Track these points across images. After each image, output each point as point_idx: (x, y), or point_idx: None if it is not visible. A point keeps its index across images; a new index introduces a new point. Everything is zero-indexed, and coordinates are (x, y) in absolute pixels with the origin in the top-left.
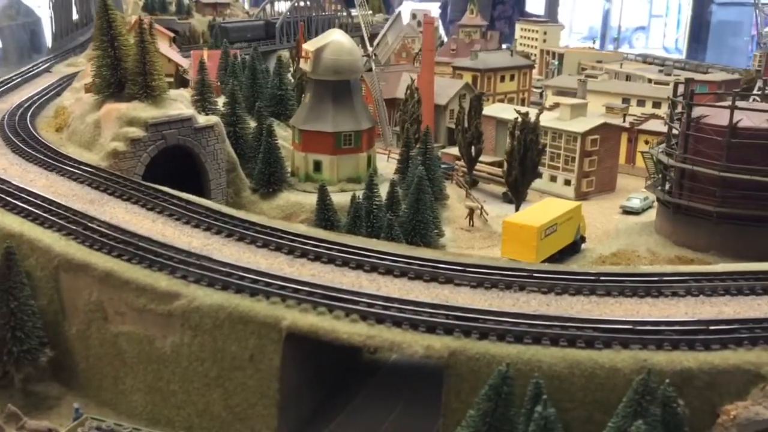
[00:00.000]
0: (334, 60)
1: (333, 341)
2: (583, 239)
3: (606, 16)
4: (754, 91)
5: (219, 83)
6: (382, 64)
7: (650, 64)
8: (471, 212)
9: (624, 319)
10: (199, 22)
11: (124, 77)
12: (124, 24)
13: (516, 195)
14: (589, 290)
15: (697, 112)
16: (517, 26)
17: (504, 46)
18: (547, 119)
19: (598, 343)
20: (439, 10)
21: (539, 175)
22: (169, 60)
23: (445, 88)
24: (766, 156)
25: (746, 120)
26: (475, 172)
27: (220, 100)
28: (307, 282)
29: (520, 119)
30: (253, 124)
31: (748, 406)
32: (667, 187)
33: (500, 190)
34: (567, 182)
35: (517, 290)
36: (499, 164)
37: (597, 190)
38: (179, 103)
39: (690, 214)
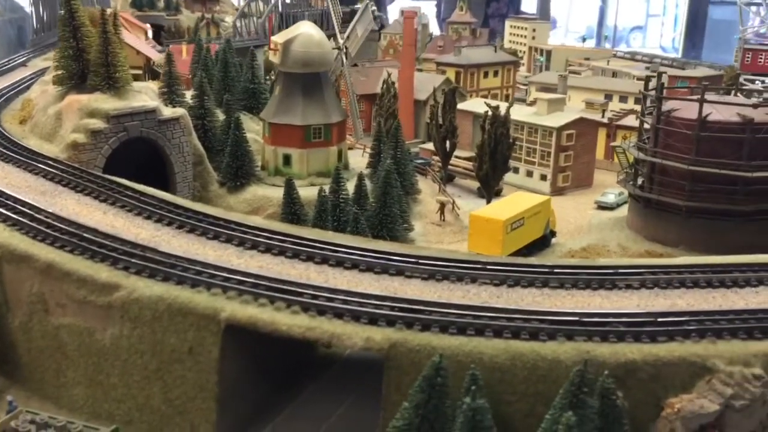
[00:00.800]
0: (303, 52)
1: (272, 333)
2: (553, 234)
3: (602, 15)
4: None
5: (191, 76)
6: (352, 56)
7: (638, 61)
8: (442, 206)
9: (571, 311)
10: (187, 18)
11: (86, 68)
12: (87, 15)
13: (487, 189)
14: (542, 282)
15: (668, 105)
16: (507, 23)
17: (494, 42)
18: (524, 114)
19: (543, 334)
20: (435, 9)
21: (510, 169)
22: (138, 52)
23: (426, 84)
24: (734, 149)
25: (716, 113)
26: (450, 167)
27: (190, 93)
28: (251, 273)
29: (490, 113)
30: (223, 117)
31: (693, 399)
32: (639, 181)
33: (476, 185)
34: (543, 177)
35: (469, 282)
36: (471, 160)
37: (573, 186)
38: (144, 95)
39: (660, 208)
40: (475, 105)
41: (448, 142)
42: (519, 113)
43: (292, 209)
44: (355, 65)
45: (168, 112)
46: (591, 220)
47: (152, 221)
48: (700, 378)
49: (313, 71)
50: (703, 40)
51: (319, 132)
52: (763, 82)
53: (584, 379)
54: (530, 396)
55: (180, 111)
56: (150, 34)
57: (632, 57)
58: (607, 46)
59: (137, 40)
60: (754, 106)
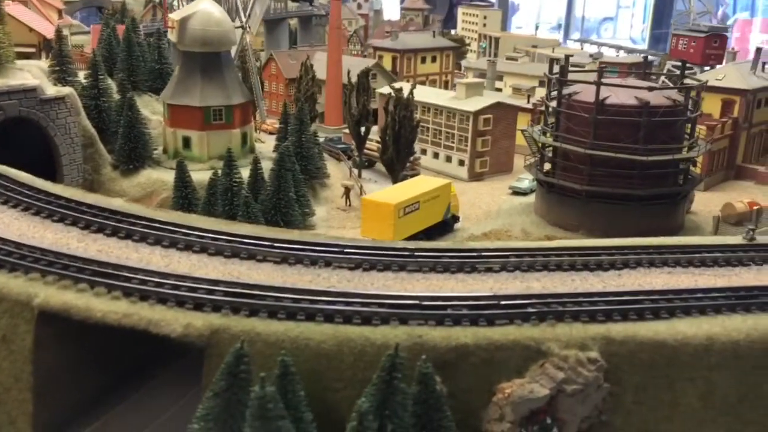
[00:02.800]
0: (201, 30)
1: (86, 320)
2: (455, 218)
3: (570, 5)
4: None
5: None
6: (253, 35)
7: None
8: (347, 191)
9: (414, 294)
10: (138, 1)
11: None
12: None
13: (392, 173)
14: (400, 266)
15: (572, 89)
16: (459, 10)
17: (453, 31)
18: (443, 99)
19: (376, 319)
20: None
21: (414, 153)
22: (31, 30)
23: (355, 68)
24: (631, 133)
25: (614, 97)
26: (367, 151)
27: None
28: (76, 257)
29: (393, 95)
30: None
31: (524, 383)
32: (547, 166)
33: None
34: (461, 162)
35: (323, 266)
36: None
37: (492, 171)
38: (26, 73)
39: (562, 193)
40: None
41: (362, 127)
42: (439, 98)
43: (183, 193)
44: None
45: (52, 91)
46: (502, 205)
47: None
48: (534, 362)
49: (213, 50)
50: (669, 32)
51: (219, 114)
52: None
53: (395, 365)
54: (357, 383)
55: (66, 90)
56: (79, 14)
57: (581, 45)
58: (575, 35)
59: (32, 15)
60: (650, 89)
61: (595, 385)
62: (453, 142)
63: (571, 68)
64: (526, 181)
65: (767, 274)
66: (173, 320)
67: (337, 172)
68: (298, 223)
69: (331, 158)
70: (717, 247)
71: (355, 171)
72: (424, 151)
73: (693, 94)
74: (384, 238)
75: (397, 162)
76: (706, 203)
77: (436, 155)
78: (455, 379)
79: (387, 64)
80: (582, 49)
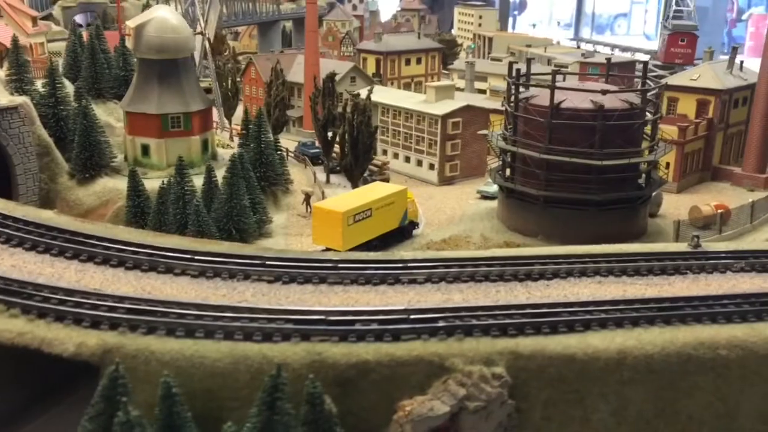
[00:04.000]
0: (157, 38)
1: None
2: (414, 225)
3: (580, 2)
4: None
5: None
6: (211, 42)
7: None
8: (307, 197)
9: (320, 309)
10: (132, 5)
11: None
12: None
13: (351, 179)
14: (321, 279)
15: (531, 93)
16: (455, 10)
17: (453, 31)
18: (413, 102)
19: (278, 335)
20: None
21: (372, 159)
22: None
23: (332, 70)
24: (586, 137)
25: (570, 101)
26: (335, 155)
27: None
28: None
29: (350, 100)
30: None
31: (424, 400)
32: (509, 171)
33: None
34: (431, 166)
35: (241, 279)
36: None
37: (464, 175)
38: None
39: (521, 198)
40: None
41: (329, 132)
42: (408, 101)
43: (136, 202)
44: (272, 51)
45: (5, 100)
46: (467, 210)
47: None
48: (438, 378)
49: (170, 57)
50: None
51: (177, 121)
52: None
53: (277, 385)
54: (254, 402)
55: (19, 99)
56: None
57: (577, 44)
58: (586, 32)
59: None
60: (603, 92)
61: (499, 401)
62: (423, 146)
63: (534, 72)
64: (494, 185)
65: (701, 283)
66: (66, 339)
67: (302, 177)
68: (252, 231)
69: (298, 164)
70: (655, 255)
71: (321, 176)
72: (396, 155)
73: (653, 96)
74: (334, 246)
75: (356, 168)
76: (677, 206)
77: (407, 159)
78: (356, 397)
79: (371, 66)
80: (578, 47)
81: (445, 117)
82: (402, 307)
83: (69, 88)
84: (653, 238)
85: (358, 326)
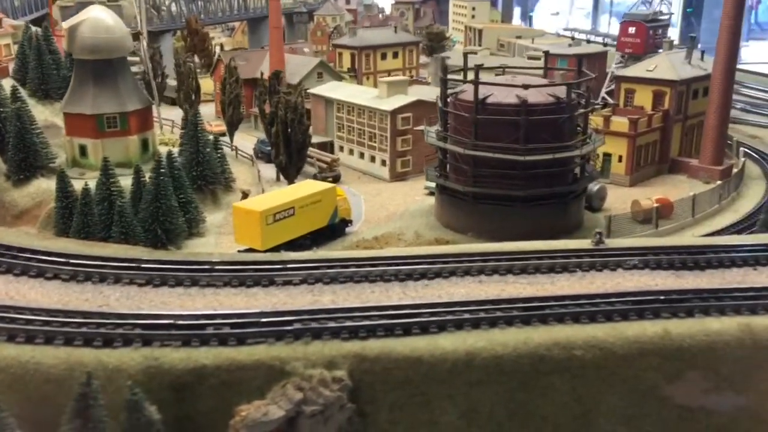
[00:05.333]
0: (91, 38)
1: None
2: (346, 222)
3: None
4: (614, 65)
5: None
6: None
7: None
8: (245, 196)
9: (170, 313)
10: (130, 4)
11: None
12: None
13: (286, 177)
14: (193, 281)
15: (460, 88)
16: (450, 3)
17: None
18: (365, 98)
19: (119, 341)
20: None
21: (306, 157)
22: None
23: (299, 67)
24: (511, 132)
25: (496, 96)
26: None
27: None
28: None
29: (282, 98)
30: (40, 108)
31: (260, 405)
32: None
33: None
34: (383, 162)
35: (111, 283)
36: (324, 145)
37: (416, 170)
38: None
39: (452, 194)
40: (327, 89)
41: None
42: (362, 97)
43: (64, 203)
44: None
45: None
46: (409, 207)
47: None
48: (277, 383)
49: (104, 58)
50: (701, 16)
51: (114, 121)
52: None
53: (86, 394)
54: None
55: None
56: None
57: (571, 35)
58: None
59: None
60: (525, 87)
61: (338, 405)
62: (375, 142)
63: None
64: None
65: (585, 281)
66: None
67: (247, 176)
68: (180, 231)
69: (246, 162)
70: (548, 253)
71: (266, 174)
72: (351, 152)
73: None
74: (254, 246)
75: (290, 166)
76: (627, 199)
77: (361, 155)
78: (193, 402)
79: (346, 61)
80: (573, 39)
81: (394, 112)
82: (257, 311)
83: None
84: (588, 233)
85: (207, 330)
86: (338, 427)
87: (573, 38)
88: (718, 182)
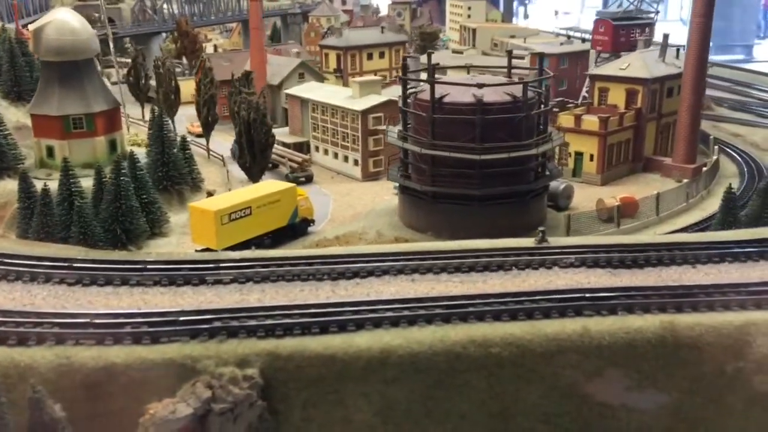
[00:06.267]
0: (56, 40)
1: None
2: (308, 222)
3: None
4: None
5: None
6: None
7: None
8: (209, 197)
9: (86, 312)
10: (129, 6)
11: None
12: None
13: (250, 177)
14: (123, 281)
15: (420, 88)
16: (447, 2)
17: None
18: (339, 98)
19: (32, 339)
20: None
21: (269, 158)
22: None
23: (280, 68)
24: (467, 131)
25: (453, 95)
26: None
27: None
28: None
29: (243, 99)
30: (13, 109)
31: (169, 403)
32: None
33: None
34: (356, 162)
35: (42, 282)
36: (300, 145)
37: (389, 170)
38: None
39: (412, 194)
40: (303, 89)
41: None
42: (336, 97)
43: (26, 204)
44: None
45: None
46: (376, 206)
47: None
48: (188, 381)
49: (70, 59)
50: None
51: (80, 122)
52: None
53: None
54: None
55: None
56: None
57: (567, 34)
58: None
59: None
60: (479, 86)
61: (247, 403)
62: (348, 142)
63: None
64: None
65: (518, 280)
66: None
67: (217, 176)
68: (142, 231)
69: (219, 162)
70: (486, 251)
71: (239, 175)
72: (326, 152)
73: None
74: (209, 245)
75: (254, 166)
76: (597, 199)
77: (335, 155)
78: (105, 400)
79: (332, 62)
80: (569, 38)
81: (365, 112)
82: (177, 310)
83: None
84: (551, 232)
85: (123, 329)
86: (248, 425)
87: (568, 37)
88: (685, 181)
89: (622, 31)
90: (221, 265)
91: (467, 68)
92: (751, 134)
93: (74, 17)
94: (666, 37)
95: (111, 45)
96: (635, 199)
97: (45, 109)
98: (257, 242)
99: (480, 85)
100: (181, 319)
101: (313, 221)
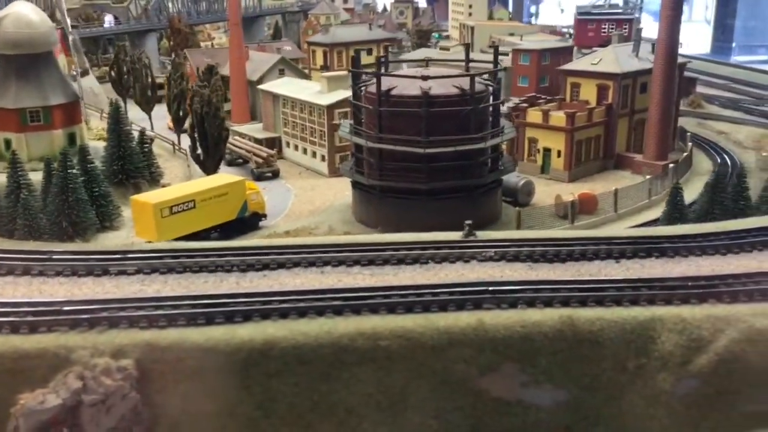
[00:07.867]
0: (13, 33)
1: None
2: (258, 216)
3: None
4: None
5: None
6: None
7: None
8: None
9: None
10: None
11: None
12: None
13: (204, 170)
14: (25, 270)
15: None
16: (450, 1)
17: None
18: (306, 93)
19: None
20: None
21: (224, 152)
22: None
23: (260, 64)
24: (414, 125)
25: (400, 88)
26: (234, 148)
27: None
28: None
29: (196, 92)
30: None
31: (39, 393)
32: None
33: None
34: (323, 158)
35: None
36: (272, 141)
37: None
38: None
39: (363, 189)
40: (275, 85)
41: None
42: (301, 92)
43: None
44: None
45: None
46: (335, 202)
47: None
48: (61, 371)
49: (27, 52)
50: (735, 14)
51: (37, 115)
52: None
53: None
54: None
55: None
56: None
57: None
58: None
59: None
60: (423, 78)
61: (120, 394)
62: (315, 137)
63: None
64: None
65: (429, 273)
66: None
67: (179, 171)
68: (91, 224)
69: (180, 156)
70: (406, 244)
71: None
72: (296, 147)
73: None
74: (150, 238)
75: (207, 159)
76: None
77: (304, 151)
78: None
79: (319, 59)
80: (567, 36)
81: (330, 107)
82: (64, 300)
83: None
84: (503, 227)
85: (5, 318)
86: (121, 417)
87: (570, 35)
88: (647, 177)
89: (590, 26)
90: (128, 255)
91: (425, 62)
92: (735, 132)
93: (32, 10)
94: (640, 32)
95: (70, 39)
96: (594, 194)
97: (1, 102)
98: (204, 236)
99: (425, 77)
100: (65, 308)
101: (264, 215)
